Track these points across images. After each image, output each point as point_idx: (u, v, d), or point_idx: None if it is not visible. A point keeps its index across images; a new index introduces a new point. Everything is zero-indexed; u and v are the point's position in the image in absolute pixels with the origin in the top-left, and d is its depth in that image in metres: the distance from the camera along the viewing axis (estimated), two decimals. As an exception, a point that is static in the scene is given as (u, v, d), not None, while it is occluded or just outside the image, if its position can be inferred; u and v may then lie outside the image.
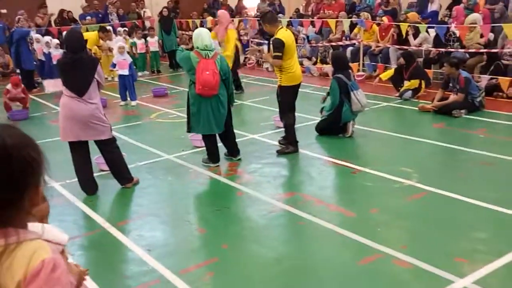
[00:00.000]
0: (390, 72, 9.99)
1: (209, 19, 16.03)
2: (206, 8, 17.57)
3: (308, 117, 8.03)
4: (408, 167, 5.76)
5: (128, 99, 10.06)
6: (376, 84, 10.25)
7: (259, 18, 15.09)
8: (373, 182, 5.42)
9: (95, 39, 11.95)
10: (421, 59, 10.76)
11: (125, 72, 9.85)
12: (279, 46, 6.14)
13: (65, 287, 1.32)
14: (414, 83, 9.29)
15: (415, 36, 11.15)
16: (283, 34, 6.22)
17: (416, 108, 8.48)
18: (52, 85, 5.33)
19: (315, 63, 12.66)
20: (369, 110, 7.87)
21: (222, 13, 10.31)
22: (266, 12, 6.71)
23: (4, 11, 14.21)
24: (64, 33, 12.36)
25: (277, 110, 7.02)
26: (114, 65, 9.94)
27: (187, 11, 17.21)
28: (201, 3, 17.71)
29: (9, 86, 9.48)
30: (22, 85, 9.72)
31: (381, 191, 5.19)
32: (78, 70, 5.05)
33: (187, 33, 16.44)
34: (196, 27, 15.83)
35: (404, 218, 4.56)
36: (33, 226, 1.37)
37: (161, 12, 14.73)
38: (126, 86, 9.97)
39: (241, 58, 12.21)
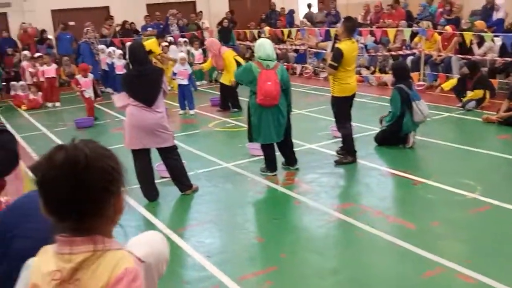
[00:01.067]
0: (452, 82, 9.72)
1: (267, 29, 16.19)
2: (263, 18, 17.73)
3: (366, 127, 7.93)
4: (471, 179, 5.57)
5: (187, 108, 10.24)
6: (437, 93, 10.01)
7: (311, 26, 15.14)
8: (434, 194, 5.28)
9: (156, 48, 12.23)
10: (485, 69, 10.41)
11: (185, 82, 10.05)
12: (337, 56, 6.10)
13: None
14: (478, 93, 8.99)
15: (480, 45, 10.80)
16: (346, 45, 6.14)
17: (480, 119, 8.20)
18: (121, 99, 5.52)
19: (373, 72, 12.50)
20: (430, 121, 7.68)
21: (209, 42, 10.66)
22: (353, 18, 6.68)
23: (72, 23, 14.89)
24: (127, 44, 12.82)
25: (334, 119, 6.98)
26: (174, 74, 10.14)
27: (244, 22, 17.43)
28: (258, 14, 17.90)
29: (78, 76, 10.08)
30: (92, 75, 10.24)
31: (442, 203, 5.05)
32: (146, 81, 5.23)
33: (244, 43, 16.66)
34: (253, 38, 16.22)
35: (467, 231, 4.42)
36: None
37: (221, 23, 14.98)
38: (185, 95, 10.15)
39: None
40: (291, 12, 18.11)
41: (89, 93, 10.05)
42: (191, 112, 10.19)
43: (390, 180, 5.93)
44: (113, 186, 1.39)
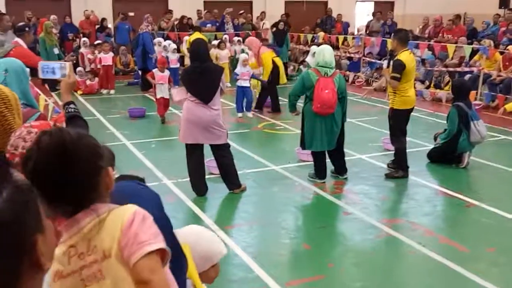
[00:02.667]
0: (515, 103, 9.40)
1: (322, 34, 16.11)
2: (318, 23, 17.65)
3: (419, 142, 7.78)
4: (529, 207, 5.38)
5: (244, 110, 9.96)
6: (500, 114, 9.69)
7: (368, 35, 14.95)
8: (489, 219, 5.12)
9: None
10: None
11: (247, 83, 9.81)
12: (399, 68, 6.02)
13: (156, 235, 1.41)
14: (539, 118, 8.67)
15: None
16: (406, 57, 6.09)
17: (539, 145, 7.91)
18: (179, 94, 5.60)
19: (428, 87, 12.24)
20: (486, 142, 7.45)
21: (249, 40, 10.83)
22: (402, 30, 6.65)
23: (131, 14, 15.20)
24: (185, 39, 12.97)
25: (386, 131, 6.88)
26: (236, 75, 9.85)
27: (299, 25, 17.40)
28: (314, 18, 17.83)
29: (155, 70, 9.51)
30: (168, 71, 9.70)
31: (498, 229, 4.89)
32: (206, 78, 5.30)
33: (298, 47, 16.63)
34: (307, 42, 16.17)
35: (523, 262, 4.26)
36: None
37: (276, 25, 15.00)
38: (246, 97, 9.87)
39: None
40: (347, 21, 18.01)
41: (161, 92, 9.27)
42: (249, 114, 9.95)
43: (442, 199, 5.79)
44: (100, 161, 1.45)
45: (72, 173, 1.37)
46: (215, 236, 2.59)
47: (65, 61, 8.15)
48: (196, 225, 2.67)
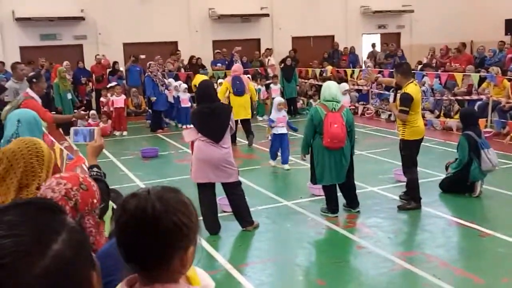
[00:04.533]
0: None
1: (329, 68, 16.31)
2: (326, 58, 17.89)
3: (430, 172, 7.76)
4: (545, 235, 5.32)
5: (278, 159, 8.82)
6: (507, 142, 9.69)
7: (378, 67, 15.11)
8: (504, 248, 5.07)
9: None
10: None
11: (284, 130, 8.62)
12: (407, 101, 6.08)
13: None
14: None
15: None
16: (413, 89, 6.16)
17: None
18: (191, 135, 5.72)
19: (438, 116, 12.27)
20: (499, 170, 7.41)
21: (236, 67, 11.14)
22: (403, 63, 6.79)
23: (143, 56, 15.52)
24: (194, 81, 13.23)
25: (397, 163, 6.91)
26: (272, 121, 8.65)
27: (307, 60, 17.66)
28: (321, 52, 18.09)
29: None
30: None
31: (513, 259, 4.85)
32: (215, 118, 5.42)
33: (305, 81, 16.84)
34: (315, 76, 16.38)
35: (541, 291, 4.21)
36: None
37: (283, 61, 15.26)
38: (282, 146, 8.61)
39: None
40: (353, 50, 18.18)
41: None
42: (286, 166, 8.50)
43: (456, 230, 5.75)
44: (180, 241, 1.36)
45: (141, 245, 1.34)
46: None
47: (79, 108, 8.33)
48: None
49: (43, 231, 0.91)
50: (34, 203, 0.99)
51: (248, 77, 15.01)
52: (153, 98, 12.60)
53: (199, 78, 12.25)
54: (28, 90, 6.37)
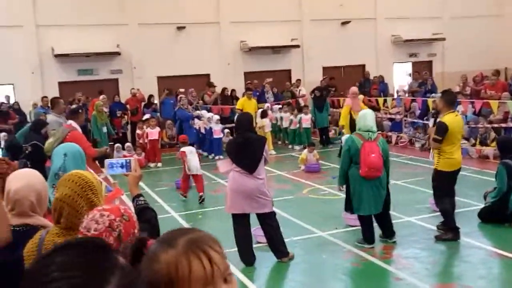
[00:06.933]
0: None
1: (361, 97, 16.26)
2: (357, 86, 17.88)
3: (467, 201, 7.61)
4: None
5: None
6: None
7: (413, 97, 15.03)
8: (549, 281, 4.91)
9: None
10: None
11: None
12: (441, 130, 6.03)
13: None
14: None
15: None
16: (450, 119, 6.09)
17: None
18: (224, 165, 5.81)
19: (474, 145, 12.06)
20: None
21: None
22: (448, 91, 6.77)
23: (182, 90, 15.57)
24: (235, 115, 13.41)
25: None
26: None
27: (338, 89, 17.70)
28: (352, 82, 18.10)
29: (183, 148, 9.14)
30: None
31: (559, 291, 4.68)
32: (250, 149, 5.49)
33: (337, 110, 16.84)
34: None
35: None
36: None
37: (313, 91, 15.36)
38: None
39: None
40: (382, 79, 18.09)
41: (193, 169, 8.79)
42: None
43: (496, 261, 5.60)
44: None
45: None
46: None
47: (114, 141, 8.50)
48: None
49: (96, 272, 0.92)
50: (86, 243, 1.01)
51: (280, 108, 15.22)
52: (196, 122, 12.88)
53: (241, 102, 13.06)
54: (71, 122, 6.60)
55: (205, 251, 1.22)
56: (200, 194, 8.72)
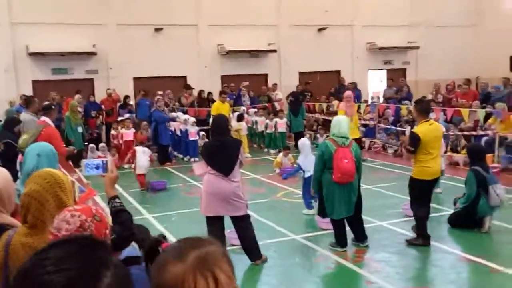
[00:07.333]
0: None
1: (336, 102, 16.45)
2: (332, 92, 18.09)
3: (438, 207, 7.77)
4: (555, 271, 5.29)
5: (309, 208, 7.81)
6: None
7: (387, 104, 15.28)
8: (515, 285, 5.05)
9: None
10: None
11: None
12: (414, 141, 6.09)
13: None
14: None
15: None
16: (423, 129, 6.11)
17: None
18: (199, 168, 5.82)
19: (445, 152, 12.29)
20: (507, 205, 7.41)
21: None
22: (424, 100, 6.83)
23: (160, 92, 15.44)
24: (211, 117, 13.36)
25: (405, 197, 6.93)
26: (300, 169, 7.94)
27: (314, 95, 17.86)
28: (327, 87, 18.33)
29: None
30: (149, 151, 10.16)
31: (524, 295, 4.82)
32: (225, 152, 5.51)
33: (313, 115, 16.99)
34: (322, 111, 16.53)
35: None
36: None
37: (288, 97, 15.48)
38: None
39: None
40: (355, 85, 18.22)
41: (140, 168, 9.62)
42: (311, 211, 7.58)
43: (466, 266, 5.73)
44: None
45: None
46: None
47: (89, 141, 8.43)
48: None
49: (91, 266, 0.95)
50: (81, 239, 1.03)
51: (255, 111, 15.28)
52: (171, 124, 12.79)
53: (216, 106, 12.98)
54: (45, 118, 6.54)
55: (213, 272, 1.20)
56: (142, 188, 9.72)
